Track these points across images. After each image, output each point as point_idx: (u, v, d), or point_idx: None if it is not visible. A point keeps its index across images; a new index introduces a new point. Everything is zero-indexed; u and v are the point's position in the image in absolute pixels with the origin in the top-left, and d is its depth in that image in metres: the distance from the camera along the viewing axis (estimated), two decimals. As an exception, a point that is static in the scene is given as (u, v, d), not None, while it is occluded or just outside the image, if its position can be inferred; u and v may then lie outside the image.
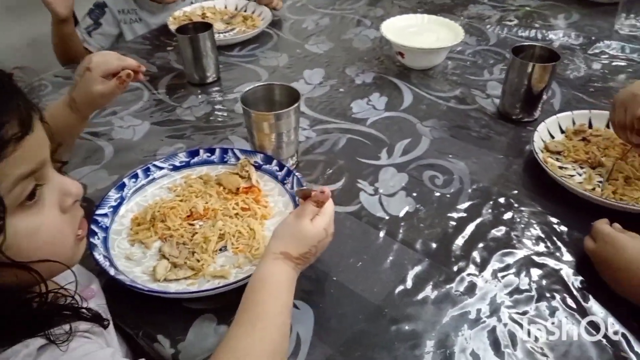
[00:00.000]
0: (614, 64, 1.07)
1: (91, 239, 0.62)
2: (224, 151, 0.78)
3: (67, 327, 0.41)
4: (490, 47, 1.15)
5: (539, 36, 1.20)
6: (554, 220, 0.69)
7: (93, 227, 0.64)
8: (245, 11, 1.31)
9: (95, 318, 0.47)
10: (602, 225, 0.62)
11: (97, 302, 0.54)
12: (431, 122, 0.90)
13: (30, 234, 0.40)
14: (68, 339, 0.41)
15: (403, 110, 0.94)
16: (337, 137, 0.87)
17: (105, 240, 0.64)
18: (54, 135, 0.45)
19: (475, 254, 0.65)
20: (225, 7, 1.33)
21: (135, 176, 0.73)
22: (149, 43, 1.22)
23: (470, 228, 0.69)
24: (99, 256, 0.60)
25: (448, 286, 0.61)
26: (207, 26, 1.03)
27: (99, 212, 0.67)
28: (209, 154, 0.78)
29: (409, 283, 0.62)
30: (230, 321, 0.48)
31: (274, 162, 0.75)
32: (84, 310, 0.46)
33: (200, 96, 1.00)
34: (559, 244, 0.66)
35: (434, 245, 0.66)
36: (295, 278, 0.54)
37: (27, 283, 0.41)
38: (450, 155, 0.82)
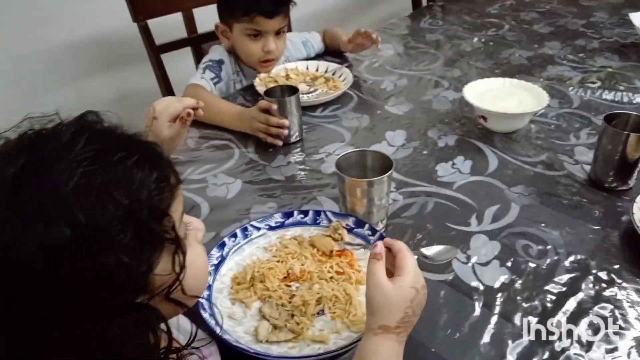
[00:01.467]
0: None
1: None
2: (317, 213, 0.81)
3: None
4: (574, 110, 1.14)
5: (625, 99, 1.18)
6: (663, 299, 0.66)
7: (199, 285, 0.67)
8: (326, 72, 1.37)
9: None
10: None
11: None
12: (519, 188, 0.90)
13: (191, 267, 0.45)
14: None
15: (489, 174, 0.94)
16: (424, 201, 0.88)
17: (209, 298, 0.68)
18: None
19: (580, 333, 0.63)
20: (307, 69, 1.40)
21: (235, 235, 0.77)
22: (239, 102, 1.29)
23: (571, 304, 0.67)
24: (205, 314, 0.63)
25: (553, 366, 0.59)
26: (293, 89, 1.09)
27: (203, 270, 0.70)
28: (302, 216, 0.82)
29: (510, 359, 0.60)
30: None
31: (366, 226, 0.77)
32: None
33: (287, 156, 1.05)
34: (671, 326, 0.63)
35: (533, 320, 0.65)
36: (400, 351, 0.54)
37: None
38: (542, 224, 0.81)
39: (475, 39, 1.59)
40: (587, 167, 0.93)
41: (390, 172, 0.77)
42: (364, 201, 0.78)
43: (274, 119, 1.04)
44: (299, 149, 1.07)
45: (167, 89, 1.48)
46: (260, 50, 1.26)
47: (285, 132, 1.05)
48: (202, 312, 0.63)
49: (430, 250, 0.67)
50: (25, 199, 0.36)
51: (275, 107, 1.03)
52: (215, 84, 1.29)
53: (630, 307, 0.66)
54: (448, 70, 1.39)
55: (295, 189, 0.95)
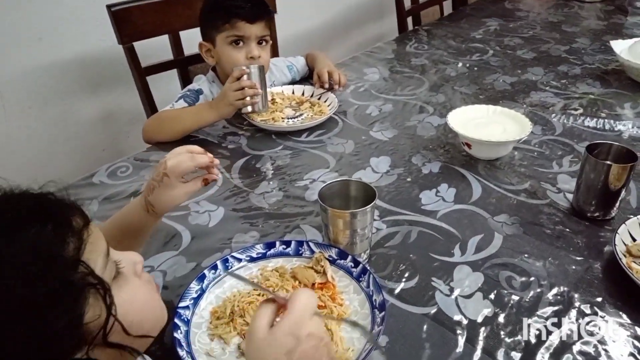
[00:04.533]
0: (690, 158, 1.04)
1: (175, 334, 0.64)
2: (299, 244, 0.80)
3: None
4: (557, 137, 1.15)
5: (607, 127, 1.19)
6: (645, 333, 0.66)
7: (176, 320, 0.66)
8: (312, 96, 1.37)
9: None
10: None
11: None
12: (503, 217, 0.90)
13: (130, 303, 0.45)
14: None
15: (472, 203, 0.94)
16: (407, 230, 0.88)
17: (187, 335, 0.66)
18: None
19: (563, 369, 0.62)
20: (293, 93, 1.41)
21: (215, 267, 0.76)
22: (222, 127, 1.28)
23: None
24: (182, 352, 0.62)
25: (536, 405, 0.58)
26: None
27: (181, 304, 0.69)
28: (284, 246, 0.80)
29: (494, 398, 0.59)
30: None
31: (349, 257, 0.76)
32: None
33: (271, 182, 1.04)
34: (653, 362, 0.62)
35: (517, 355, 0.64)
36: None
37: None
38: (525, 255, 0.81)
39: (460, 64, 1.61)
40: (570, 196, 0.94)
41: (373, 203, 0.76)
42: (347, 232, 0.78)
43: (248, 81, 1.14)
44: (283, 175, 1.07)
45: (151, 111, 1.47)
46: (244, 58, 1.26)
47: (259, 93, 1.16)
48: (178, 350, 0.61)
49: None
50: None
51: (248, 70, 1.14)
52: None
53: (613, 342, 0.65)
54: (433, 96, 1.40)
55: (278, 217, 0.94)
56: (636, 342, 0.65)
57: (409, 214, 0.92)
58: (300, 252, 0.80)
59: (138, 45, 1.42)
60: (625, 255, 0.77)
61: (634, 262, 0.76)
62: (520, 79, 1.48)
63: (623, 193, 0.85)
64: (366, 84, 1.50)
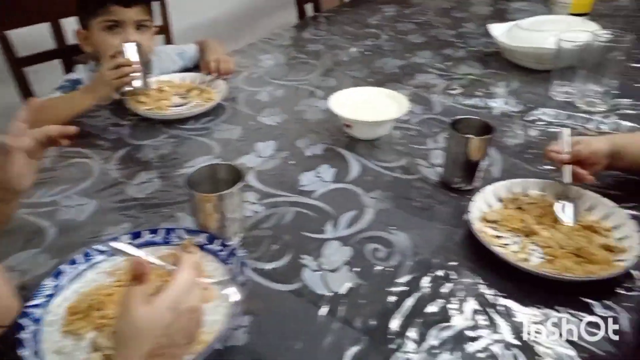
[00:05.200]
0: (549, 130, 1.13)
1: (18, 335, 0.60)
2: (168, 232, 0.79)
3: None
4: (435, 116, 1.21)
5: (481, 104, 1.26)
6: (491, 291, 0.71)
7: (21, 320, 0.62)
8: (202, 83, 1.35)
9: None
10: None
11: None
12: (376, 193, 0.93)
13: None
14: None
15: (350, 181, 0.97)
16: (284, 211, 0.89)
17: (36, 334, 0.63)
18: None
19: (413, 331, 0.65)
20: (182, 81, 1.37)
21: (74, 261, 0.73)
22: (105, 117, 1.23)
23: (408, 303, 0.69)
24: (26, 352, 0.58)
25: (385, 366, 0.61)
26: None
27: (30, 303, 0.65)
28: (152, 235, 0.78)
29: (347, 364, 0.61)
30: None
31: (217, 241, 0.76)
32: None
33: (150, 172, 1.01)
34: (495, 316, 0.67)
35: (373, 322, 0.67)
36: None
37: None
38: (392, 227, 0.84)
39: (354, 49, 1.64)
40: (440, 170, 0.98)
41: (240, 184, 0.76)
42: (215, 216, 0.77)
43: (123, 59, 1.14)
44: (164, 164, 1.04)
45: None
46: (118, 48, 1.20)
47: (136, 69, 1.15)
48: (19, 351, 0.58)
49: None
50: None
51: (122, 48, 1.14)
52: None
53: (461, 301, 0.69)
54: (324, 80, 1.42)
55: (154, 206, 0.91)
56: (483, 299, 0.70)
57: (287, 195, 0.93)
58: (169, 240, 0.78)
59: (15, 34, 1.33)
60: (481, 221, 0.82)
61: (487, 226, 0.81)
62: (409, 62, 1.53)
63: (483, 164, 0.91)
64: (260, 70, 1.49)
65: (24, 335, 0.60)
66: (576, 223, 0.80)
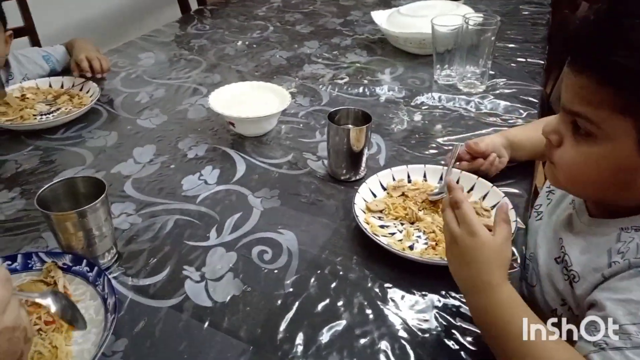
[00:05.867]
0: (433, 113, 1.16)
1: None
2: (27, 256, 0.70)
3: None
4: (322, 107, 1.20)
5: (367, 92, 1.27)
6: (378, 283, 0.71)
7: None
8: (73, 87, 1.23)
9: None
10: (467, 210, 0.60)
11: None
12: (263, 191, 0.90)
13: None
14: None
15: (235, 182, 0.93)
16: (164, 220, 0.83)
17: None
18: None
19: (301, 334, 0.63)
20: (50, 86, 1.25)
21: None
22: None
23: (295, 305, 0.67)
24: None
25: (272, 375, 0.58)
26: None
27: None
28: (9, 262, 0.70)
29: (232, 379, 0.58)
30: None
31: (84, 262, 0.69)
32: None
33: (11, 190, 0.91)
34: (383, 308, 0.67)
35: (259, 330, 0.64)
36: None
37: None
38: (279, 226, 0.81)
39: (240, 42, 1.59)
40: (327, 163, 0.97)
41: (102, 197, 0.69)
42: (79, 234, 0.70)
43: None
44: (28, 180, 0.93)
45: None
46: None
47: None
48: None
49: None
50: None
51: None
52: None
53: (348, 296, 0.69)
54: (208, 76, 1.36)
55: (17, 228, 0.82)
56: (371, 292, 0.69)
57: (168, 202, 0.87)
58: (30, 265, 0.70)
59: None
60: (365, 212, 0.82)
61: (373, 216, 0.81)
62: (296, 53, 1.51)
63: (366, 153, 0.91)
64: (139, 69, 1.40)
65: None
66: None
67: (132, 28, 2.37)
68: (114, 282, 0.68)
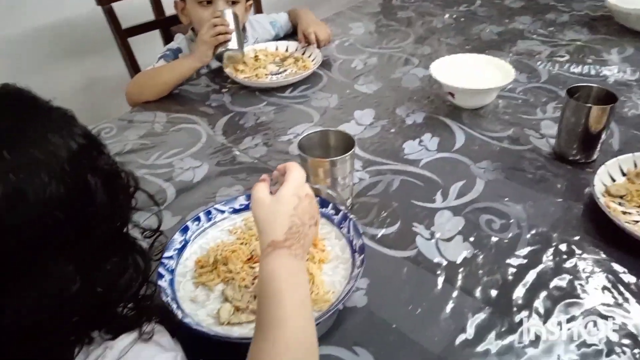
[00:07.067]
0: (673, 100, 1.04)
1: (159, 281, 0.65)
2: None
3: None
4: (541, 85, 1.15)
5: (593, 72, 1.18)
6: (620, 269, 0.67)
7: (160, 269, 0.67)
8: (296, 51, 1.35)
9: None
10: None
11: None
12: (485, 163, 0.90)
13: None
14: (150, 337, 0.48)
15: (455, 151, 0.94)
16: (390, 179, 0.88)
17: (171, 283, 0.67)
18: None
19: (538, 304, 0.63)
20: (277, 49, 1.38)
21: (198, 219, 0.76)
22: (206, 85, 1.27)
23: (531, 276, 0.68)
24: (166, 298, 0.63)
25: (511, 337, 0.60)
26: None
27: (166, 254, 0.70)
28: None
29: (470, 333, 0.61)
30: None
31: (330, 205, 0.77)
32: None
33: (255, 138, 1.04)
34: (626, 294, 0.64)
35: (494, 293, 0.66)
36: (300, 267, 0.54)
37: None
38: (506, 199, 0.81)
39: (447, 15, 1.58)
40: (553, 141, 0.94)
41: (352, 151, 0.76)
42: (327, 181, 0.78)
43: (219, 19, 1.17)
44: (267, 131, 1.06)
45: (137, 74, 1.45)
46: (211, 16, 1.21)
47: (231, 30, 1.19)
48: (162, 296, 0.62)
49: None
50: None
51: (219, 13, 1.19)
52: None
53: (588, 277, 0.67)
54: (418, 48, 1.38)
55: (263, 170, 0.94)
56: (610, 276, 0.67)
57: (391, 163, 0.92)
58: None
59: (117, 7, 1.39)
60: (604, 195, 0.78)
61: (613, 201, 0.77)
62: (507, 29, 1.46)
63: (604, 135, 0.86)
64: (351, 38, 1.48)
65: (162, 283, 0.65)
66: None
67: None
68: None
